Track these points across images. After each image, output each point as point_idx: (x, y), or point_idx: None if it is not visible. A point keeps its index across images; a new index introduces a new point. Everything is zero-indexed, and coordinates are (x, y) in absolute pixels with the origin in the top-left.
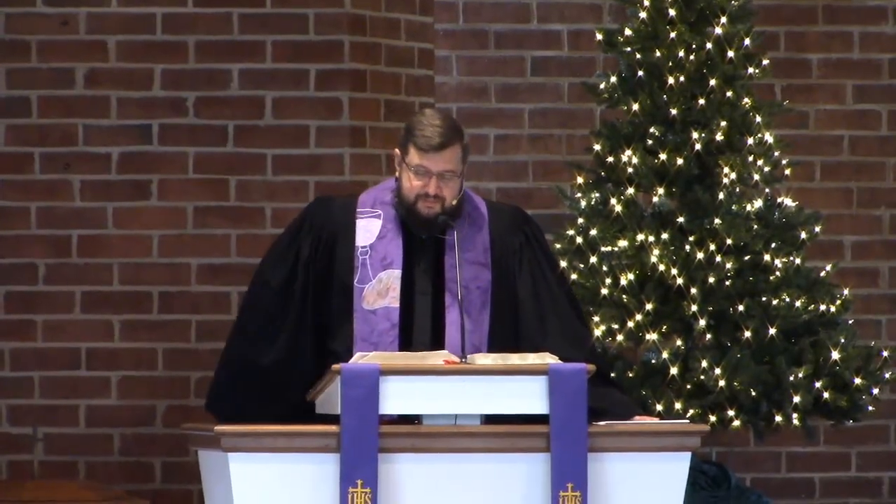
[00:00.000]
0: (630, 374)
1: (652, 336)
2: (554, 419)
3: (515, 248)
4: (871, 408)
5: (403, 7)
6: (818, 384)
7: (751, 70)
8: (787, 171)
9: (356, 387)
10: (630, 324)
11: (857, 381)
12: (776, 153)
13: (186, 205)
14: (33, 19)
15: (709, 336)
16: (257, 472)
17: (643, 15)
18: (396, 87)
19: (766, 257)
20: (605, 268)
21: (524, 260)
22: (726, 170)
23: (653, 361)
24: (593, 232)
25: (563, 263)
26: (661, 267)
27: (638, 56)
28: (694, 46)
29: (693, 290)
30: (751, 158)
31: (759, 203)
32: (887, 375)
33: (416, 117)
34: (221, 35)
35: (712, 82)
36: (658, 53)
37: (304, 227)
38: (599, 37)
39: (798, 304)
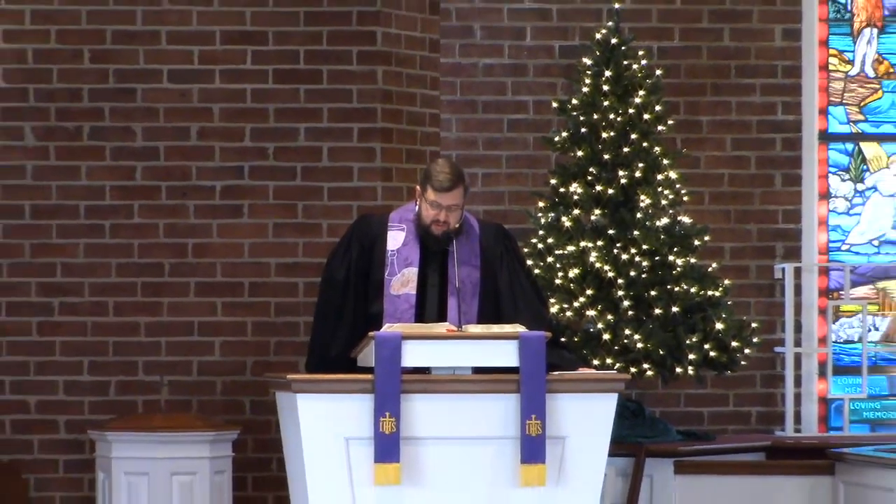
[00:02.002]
0: (575, 339)
1: (591, 312)
2: (522, 370)
3: (498, 255)
4: (743, 363)
5: (418, 84)
6: (707, 346)
7: (660, 128)
8: (685, 198)
9: (385, 348)
10: (576, 304)
11: (734, 344)
12: (678, 185)
13: (268, 221)
14: (161, 92)
15: (631, 312)
16: (317, 407)
17: (585, 89)
18: (414, 139)
19: (671, 258)
20: (558, 265)
21: (504, 263)
22: (643, 197)
23: (591, 330)
24: (550, 240)
25: (530, 262)
26: (598, 265)
27: (581, 118)
28: (620, 111)
29: (620, 281)
30: (660, 189)
31: (665, 220)
32: (755, 340)
33: (432, 165)
34: (292, 103)
35: (633, 136)
36: (596, 116)
37: (353, 236)
38: (555, 105)
39: (693, 290)
